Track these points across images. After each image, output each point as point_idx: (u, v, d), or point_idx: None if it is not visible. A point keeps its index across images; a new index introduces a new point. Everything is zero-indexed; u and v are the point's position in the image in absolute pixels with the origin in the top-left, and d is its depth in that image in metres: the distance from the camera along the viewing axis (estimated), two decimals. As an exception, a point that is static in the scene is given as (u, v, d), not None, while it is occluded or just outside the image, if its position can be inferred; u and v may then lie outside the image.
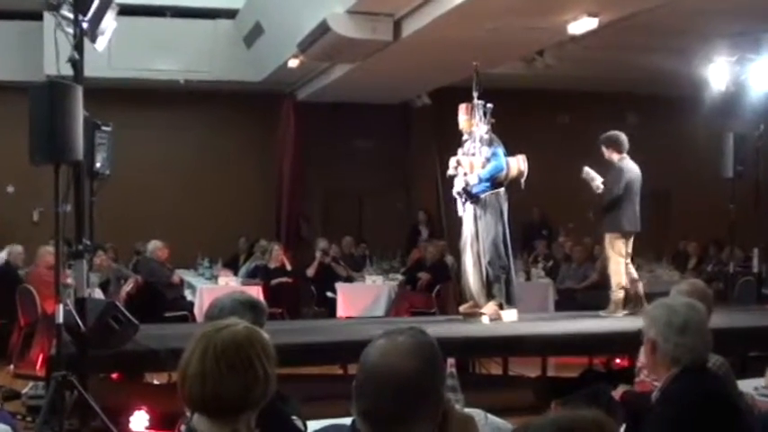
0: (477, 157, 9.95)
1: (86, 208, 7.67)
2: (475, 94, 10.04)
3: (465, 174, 9.93)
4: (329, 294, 14.41)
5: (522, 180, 10.06)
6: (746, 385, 5.90)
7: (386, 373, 2.57)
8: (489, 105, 10.01)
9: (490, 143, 9.94)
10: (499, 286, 9.87)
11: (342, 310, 13.81)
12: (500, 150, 9.94)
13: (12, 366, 10.07)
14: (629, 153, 10.32)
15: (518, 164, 10.04)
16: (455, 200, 10.18)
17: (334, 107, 18.06)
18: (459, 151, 10.18)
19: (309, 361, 8.48)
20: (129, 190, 16.32)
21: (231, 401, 2.73)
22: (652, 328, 4.02)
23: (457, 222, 10.38)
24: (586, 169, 10.34)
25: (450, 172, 10.13)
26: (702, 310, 4.11)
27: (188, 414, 2.84)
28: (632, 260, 15.97)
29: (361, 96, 17.45)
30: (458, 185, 10.03)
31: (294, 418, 3.81)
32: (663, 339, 3.97)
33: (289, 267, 14.32)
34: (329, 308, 14.33)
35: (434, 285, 13.99)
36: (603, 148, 10.32)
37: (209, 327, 2.86)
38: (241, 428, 2.78)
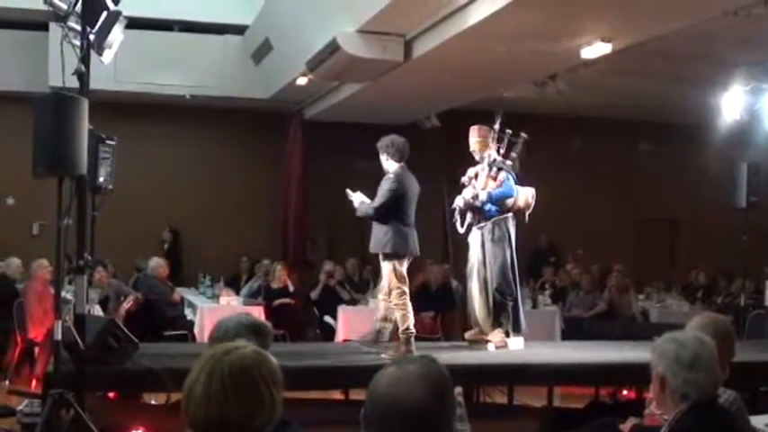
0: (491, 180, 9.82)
1: (88, 222, 7.56)
2: (497, 120, 9.89)
3: (474, 187, 9.79)
4: (326, 319, 14.24)
5: (527, 213, 9.89)
6: (758, 421, 5.77)
7: (395, 402, 2.50)
8: (524, 135, 9.89)
9: (502, 170, 9.78)
10: (506, 313, 9.70)
11: (344, 334, 13.63)
12: (511, 178, 9.80)
13: (7, 382, 9.94)
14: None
15: (526, 196, 9.87)
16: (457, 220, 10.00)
17: (342, 126, 17.92)
18: (478, 167, 10.00)
19: (311, 385, 8.32)
20: (132, 205, 16.21)
21: (235, 426, 2.66)
22: (661, 363, 3.98)
23: (463, 246, 10.20)
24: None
25: (464, 180, 9.94)
26: (711, 345, 4.03)
27: (190, 437, 2.79)
28: (637, 289, 15.97)
29: (370, 116, 17.35)
30: (462, 197, 9.85)
31: (297, 444, 3.68)
32: (671, 375, 3.93)
33: (291, 288, 14.17)
34: (326, 332, 14.15)
35: (439, 310, 13.79)
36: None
37: (217, 349, 2.81)
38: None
